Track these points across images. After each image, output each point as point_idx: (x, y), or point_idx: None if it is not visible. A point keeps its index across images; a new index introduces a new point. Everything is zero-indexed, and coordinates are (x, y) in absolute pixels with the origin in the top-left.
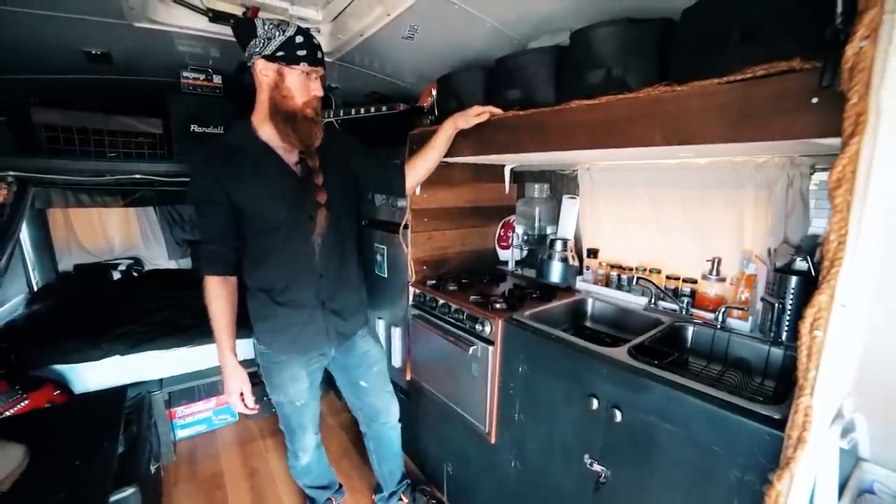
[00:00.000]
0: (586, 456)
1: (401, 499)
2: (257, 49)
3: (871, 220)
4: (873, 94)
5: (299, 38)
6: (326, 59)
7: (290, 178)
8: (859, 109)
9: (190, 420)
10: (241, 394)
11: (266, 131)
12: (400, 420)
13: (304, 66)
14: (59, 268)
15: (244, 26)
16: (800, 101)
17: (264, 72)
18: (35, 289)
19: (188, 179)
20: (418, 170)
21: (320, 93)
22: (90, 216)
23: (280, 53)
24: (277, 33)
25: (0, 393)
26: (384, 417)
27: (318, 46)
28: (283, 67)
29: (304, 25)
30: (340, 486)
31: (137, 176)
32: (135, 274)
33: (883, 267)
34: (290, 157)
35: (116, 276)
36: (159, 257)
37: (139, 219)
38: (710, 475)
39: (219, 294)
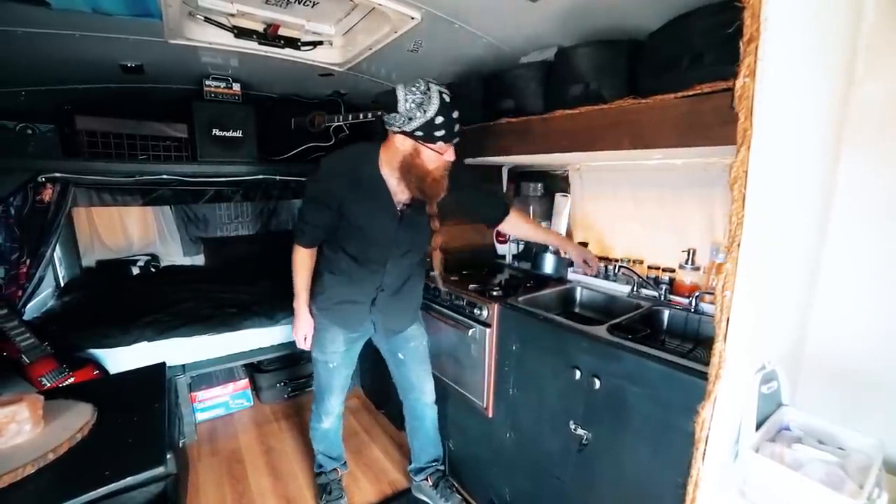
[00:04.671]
0: (571, 422)
1: (426, 479)
2: (397, 124)
3: (760, 207)
4: (755, 116)
5: (438, 119)
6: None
7: (393, 215)
8: (745, 126)
9: (209, 404)
10: (305, 337)
11: (387, 171)
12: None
13: (440, 144)
14: (82, 263)
15: (387, 98)
16: (734, 114)
17: (402, 144)
18: (62, 283)
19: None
20: None
21: (453, 158)
22: (111, 215)
23: (418, 133)
24: (418, 113)
25: (52, 370)
26: (417, 393)
27: (457, 120)
28: (419, 145)
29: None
30: (345, 462)
31: (164, 176)
32: (152, 269)
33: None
34: (398, 197)
35: (135, 271)
36: (174, 254)
37: (156, 217)
38: (671, 427)
39: (304, 261)
